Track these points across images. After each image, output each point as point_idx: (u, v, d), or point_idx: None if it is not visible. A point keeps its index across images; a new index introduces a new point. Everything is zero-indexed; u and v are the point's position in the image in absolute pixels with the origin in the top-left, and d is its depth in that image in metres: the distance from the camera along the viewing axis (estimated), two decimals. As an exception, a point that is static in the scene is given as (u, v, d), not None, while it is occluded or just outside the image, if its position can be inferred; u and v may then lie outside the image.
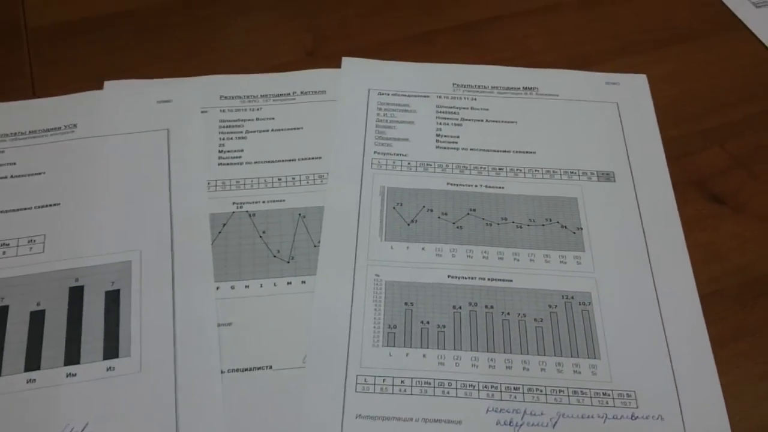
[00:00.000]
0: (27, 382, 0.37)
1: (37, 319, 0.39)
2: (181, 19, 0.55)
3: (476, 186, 0.44)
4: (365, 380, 0.37)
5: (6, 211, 0.43)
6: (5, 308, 0.39)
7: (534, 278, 0.40)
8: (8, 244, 0.41)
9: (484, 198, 0.44)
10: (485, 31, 0.54)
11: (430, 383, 0.37)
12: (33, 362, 0.37)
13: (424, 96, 0.49)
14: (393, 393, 0.36)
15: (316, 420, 0.35)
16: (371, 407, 0.36)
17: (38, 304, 0.39)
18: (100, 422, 0.35)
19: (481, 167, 0.45)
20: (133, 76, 0.50)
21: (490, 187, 0.44)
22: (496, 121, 0.48)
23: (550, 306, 0.39)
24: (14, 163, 0.45)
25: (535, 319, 0.39)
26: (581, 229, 0.42)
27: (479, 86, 0.50)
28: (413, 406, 0.36)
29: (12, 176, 0.44)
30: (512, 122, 0.48)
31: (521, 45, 0.53)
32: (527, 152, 0.46)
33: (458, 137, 0.47)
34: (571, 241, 0.42)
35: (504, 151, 0.46)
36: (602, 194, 0.44)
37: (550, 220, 0.43)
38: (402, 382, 0.37)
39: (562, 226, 0.43)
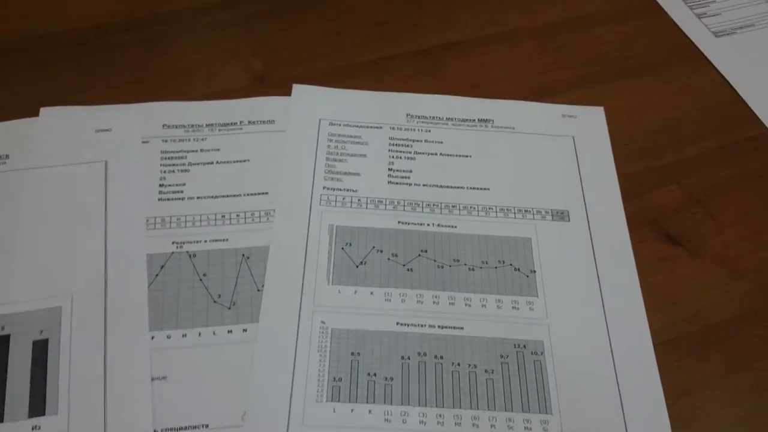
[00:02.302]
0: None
1: (-45, 373, 0.36)
2: (122, 41, 0.52)
3: (428, 225, 0.43)
4: (307, 440, 0.35)
5: (-74, 252, 0.40)
6: None
7: (486, 325, 0.39)
8: (-74, 289, 0.38)
9: (436, 238, 0.42)
10: (442, 59, 0.53)
11: (375, 441, 0.35)
12: (-52, 422, 0.35)
13: (377, 127, 0.48)
14: (336, 453, 0.35)
15: (254, 483, 0.34)
16: (313, 469, 0.34)
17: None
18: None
19: (433, 204, 0.44)
20: (70, 102, 0.47)
21: (442, 226, 0.43)
22: (450, 155, 0.47)
23: (501, 356, 0.38)
24: (-63, 199, 0.42)
25: (486, 371, 0.37)
26: (534, 271, 0.41)
27: (434, 117, 0.48)
28: (357, 466, 0.34)
29: (-66, 212, 0.41)
30: (466, 156, 0.47)
31: (478, 73, 0.52)
32: (481, 189, 0.45)
33: (411, 172, 0.45)
34: (524, 285, 0.41)
35: (457, 187, 0.45)
36: (556, 234, 0.43)
37: (503, 262, 0.41)
38: (347, 442, 0.35)
39: (515, 269, 0.41)
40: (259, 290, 0.40)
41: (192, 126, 0.47)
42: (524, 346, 0.38)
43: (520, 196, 0.44)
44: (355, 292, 0.40)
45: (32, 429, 0.35)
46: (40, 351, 0.37)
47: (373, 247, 0.42)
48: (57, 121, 0.46)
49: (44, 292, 0.39)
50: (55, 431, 0.35)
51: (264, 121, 0.47)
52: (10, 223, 0.41)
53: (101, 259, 0.40)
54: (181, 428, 0.35)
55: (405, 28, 0.55)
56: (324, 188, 0.44)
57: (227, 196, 0.44)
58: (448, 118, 0.48)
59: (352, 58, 0.53)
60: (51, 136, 0.45)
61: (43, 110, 0.47)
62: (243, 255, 0.41)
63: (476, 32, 0.55)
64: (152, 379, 0.36)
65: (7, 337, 0.37)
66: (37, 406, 0.35)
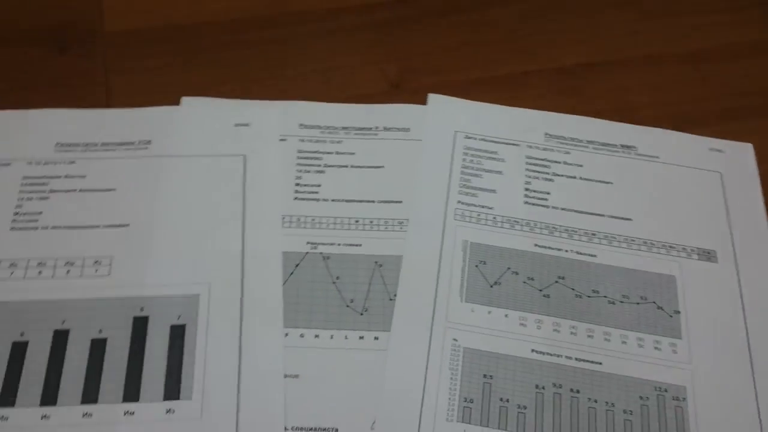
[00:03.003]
0: (83, 416, 0.35)
1: (98, 347, 0.37)
2: (259, 37, 0.52)
3: (566, 251, 0.41)
4: (437, 460, 0.34)
5: (74, 227, 0.41)
6: (66, 332, 0.37)
7: (625, 363, 0.37)
8: (73, 263, 0.40)
9: (574, 265, 0.41)
10: (582, 78, 0.51)
11: (506, 469, 0.34)
12: (91, 394, 0.36)
13: (514, 144, 0.46)
14: (466, 477, 0.34)
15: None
16: (442, 490, 0.33)
17: (100, 332, 0.37)
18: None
19: (572, 230, 0.42)
20: (207, 92, 0.48)
21: (581, 253, 0.41)
22: (590, 180, 0.45)
23: (641, 398, 0.36)
24: (84, 176, 0.43)
25: (624, 411, 0.36)
26: (678, 312, 0.39)
27: (573, 139, 0.47)
28: (486, 493, 0.33)
29: (81, 190, 0.43)
30: (608, 183, 0.45)
31: (620, 97, 0.50)
32: (623, 218, 0.43)
33: (549, 194, 0.44)
34: (666, 326, 0.39)
35: (597, 215, 0.43)
36: (702, 275, 0.41)
37: (645, 299, 0.40)
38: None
39: (658, 307, 0.39)
40: (391, 299, 0.39)
41: (328, 128, 0.47)
42: (665, 390, 0.36)
43: (663, 230, 0.43)
44: (489, 312, 0.39)
45: (166, 411, 0.35)
46: (178, 336, 0.37)
47: (508, 268, 0.41)
48: (198, 111, 0.47)
49: (183, 278, 0.39)
50: (189, 416, 0.35)
51: (399, 129, 0.47)
52: (150, 207, 0.42)
53: (239, 251, 0.40)
54: (311, 429, 0.35)
55: (544, 44, 0.53)
56: (459, 202, 0.43)
57: (361, 201, 0.44)
58: (588, 141, 0.47)
59: (488, 71, 0.52)
60: (192, 125, 0.46)
61: (184, 99, 0.48)
62: (376, 262, 0.41)
63: (618, 54, 0.53)
64: (285, 376, 0.36)
65: (146, 319, 0.38)
66: (173, 389, 0.36)
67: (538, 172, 0.45)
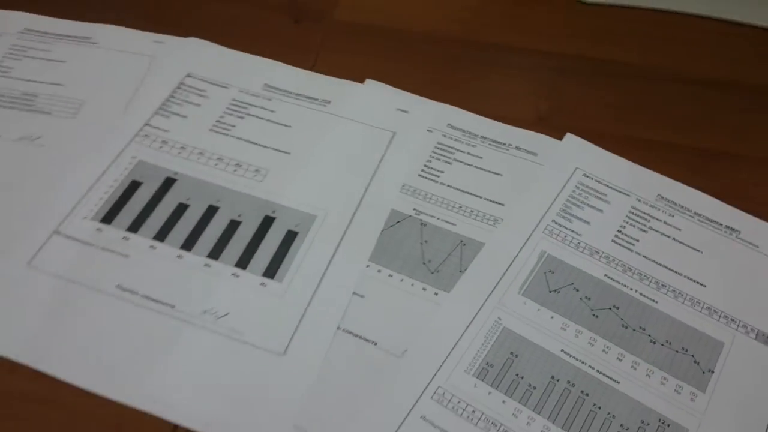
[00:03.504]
0: (204, 265, 0.46)
1: (233, 225, 0.48)
2: (449, 51, 0.62)
3: (631, 289, 0.45)
4: (443, 393, 0.40)
5: (254, 143, 0.53)
6: (216, 208, 0.49)
7: (641, 391, 0.40)
8: (241, 166, 0.51)
9: (632, 302, 0.45)
10: (713, 163, 0.54)
11: (496, 427, 0.39)
12: (216, 253, 0.46)
13: (625, 194, 0.51)
14: (460, 416, 0.39)
15: (388, 402, 0.40)
16: (435, 416, 0.39)
17: (239, 216, 0.48)
18: (237, 318, 0.43)
19: (644, 275, 0.46)
20: (388, 81, 0.58)
21: (644, 296, 0.45)
22: (683, 244, 0.48)
23: (642, 422, 0.39)
24: (274, 111, 0.56)
25: (621, 425, 0.39)
26: (712, 372, 0.41)
27: (683, 207, 0.50)
28: (472, 438, 0.39)
29: (268, 120, 0.55)
30: (698, 251, 0.48)
31: (742, 188, 0.53)
32: (698, 283, 0.46)
33: (637, 241, 0.48)
34: (695, 377, 0.41)
35: (676, 272, 0.46)
36: (751, 353, 0.42)
37: (686, 350, 0.42)
38: (473, 412, 0.40)
39: (694, 361, 0.42)
40: (460, 272, 0.46)
41: (469, 133, 0.55)
42: (668, 425, 0.39)
43: (731, 302, 0.45)
44: (538, 310, 0.44)
45: (260, 284, 0.45)
46: (290, 238, 0.47)
47: (572, 284, 0.45)
48: (373, 91, 0.58)
49: (309, 201, 0.49)
50: (274, 292, 0.45)
51: (528, 151, 0.54)
52: (311, 146, 0.53)
53: (359, 197, 0.50)
54: (356, 335, 0.43)
55: (689, 124, 0.57)
56: (552, 221, 0.49)
57: (471, 194, 0.51)
58: (696, 213, 0.50)
59: (630, 131, 0.57)
60: (364, 99, 0.57)
61: (368, 81, 0.59)
62: (461, 241, 0.48)
63: (761, 152, 0.55)
64: (353, 294, 0.45)
65: (273, 219, 0.48)
66: (271, 270, 0.46)
67: (637, 221, 0.49)
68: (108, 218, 0.48)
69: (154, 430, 0.39)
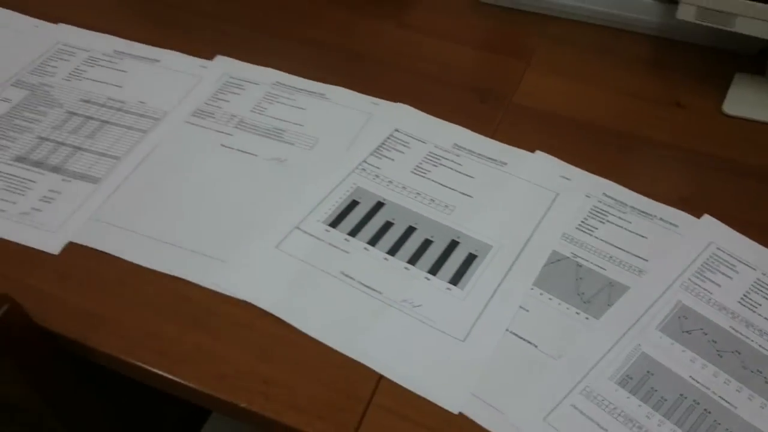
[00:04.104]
0: (404, 268, 0.59)
1: (426, 243, 0.61)
2: (608, 137, 0.75)
3: (752, 341, 0.54)
4: (590, 391, 0.51)
5: (444, 185, 0.67)
6: (414, 229, 0.63)
7: (754, 417, 0.49)
8: (434, 200, 0.65)
9: (752, 351, 0.53)
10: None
11: (632, 422, 0.49)
12: (412, 260, 0.60)
13: (752, 268, 0.60)
14: (603, 410, 0.49)
15: (545, 390, 0.50)
16: (583, 406, 0.50)
17: (431, 236, 0.62)
18: (428, 309, 0.56)
19: (764, 332, 0.55)
20: (554, 154, 0.71)
21: (762, 347, 0.54)
22: None
23: (756, 438, 0.48)
24: (461, 165, 0.70)
25: (737, 438, 0.48)
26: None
27: (803, 286, 0.59)
28: None
29: (456, 170, 0.69)
30: (815, 322, 0.56)
31: None
32: (813, 345, 0.54)
33: (760, 305, 0.57)
34: (806, 415, 0.49)
35: None
36: None
37: (799, 393, 0.51)
38: (614, 408, 0.50)
39: (805, 402, 0.50)
40: (608, 305, 0.57)
41: (621, 202, 0.67)
42: (779, 446, 0.47)
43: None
44: (672, 344, 0.54)
45: (446, 288, 0.58)
46: (470, 258, 0.60)
47: (701, 329, 0.55)
48: (542, 160, 0.71)
49: (488, 234, 0.62)
50: (456, 296, 0.57)
51: (671, 224, 0.64)
52: (490, 193, 0.66)
53: (527, 237, 0.62)
54: (521, 337, 0.54)
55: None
56: (689, 279, 0.59)
57: (620, 248, 0.62)
58: (815, 291, 0.58)
59: (760, 218, 0.66)
60: (535, 166, 0.70)
61: (538, 152, 0.72)
62: (609, 282, 0.59)
63: None
64: (520, 307, 0.56)
65: (457, 243, 0.62)
66: (456, 279, 0.58)
67: (760, 290, 0.58)
68: (334, 223, 0.63)
69: (365, 376, 0.52)
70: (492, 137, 0.74)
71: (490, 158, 0.70)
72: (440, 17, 0.93)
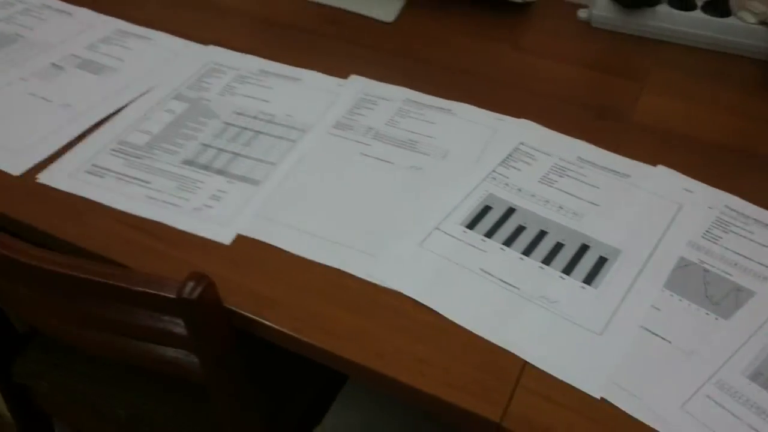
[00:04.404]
0: (539, 268, 0.64)
1: (558, 246, 0.66)
2: (727, 155, 0.78)
3: None
4: (723, 384, 0.54)
5: (571, 194, 0.72)
6: (545, 233, 0.67)
7: None
8: (562, 208, 0.70)
9: None
10: None
11: (766, 414, 0.52)
12: (547, 260, 0.64)
13: None
14: (737, 401, 0.53)
15: (681, 381, 0.54)
16: (717, 396, 0.53)
17: (563, 240, 0.67)
18: (565, 305, 0.60)
19: None
20: (675, 168, 0.75)
21: None
22: None
23: None
24: (586, 176, 0.74)
25: None
26: None
27: None
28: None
29: (581, 181, 0.74)
30: None
31: None
32: None
33: None
34: None
35: None
36: None
37: None
38: (747, 400, 0.53)
39: None
40: (736, 307, 0.60)
41: (743, 215, 0.70)
42: None
43: None
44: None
45: (581, 287, 0.62)
46: (602, 261, 0.64)
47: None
48: (665, 174, 0.75)
49: (617, 239, 0.67)
50: (587, 295, 0.61)
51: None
52: (616, 203, 0.71)
53: (655, 243, 0.66)
54: (654, 333, 0.58)
55: None
56: (815, 287, 0.62)
57: (744, 257, 0.65)
58: None
59: None
60: (658, 179, 0.74)
61: (659, 166, 0.76)
62: (737, 287, 0.62)
63: None
64: (652, 306, 0.60)
65: (588, 247, 0.66)
66: (589, 279, 0.63)
67: None
68: (471, 225, 0.68)
69: (511, 361, 0.57)
70: (613, 152, 0.78)
71: (613, 171, 0.75)
72: (553, 40, 0.98)
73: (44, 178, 0.72)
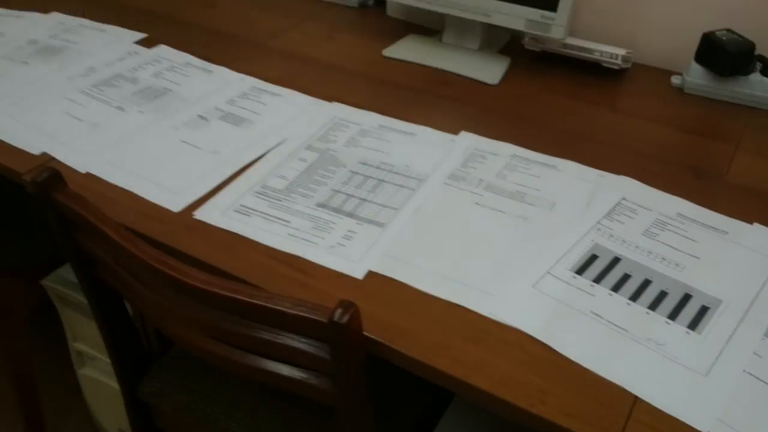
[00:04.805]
0: (645, 312, 0.70)
1: (663, 294, 0.72)
2: None
3: None
4: None
5: (672, 247, 0.78)
6: (649, 281, 0.73)
7: None
8: (665, 259, 0.76)
9: None
10: None
11: None
12: (652, 306, 0.70)
13: None
14: None
15: None
16: None
17: (666, 289, 0.72)
18: (672, 348, 0.66)
19: None
20: (773, 228, 0.80)
21: None
22: None
23: None
24: (686, 231, 0.80)
25: None
26: None
27: None
28: None
29: (681, 235, 0.79)
30: None
31: None
32: None
33: None
34: None
35: None
36: None
37: None
38: None
39: None
40: (838, 358, 0.64)
41: (841, 273, 0.74)
42: None
43: None
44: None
45: (685, 332, 0.67)
46: (704, 310, 0.70)
47: None
48: (763, 233, 0.79)
49: (717, 290, 0.72)
50: (696, 339, 0.67)
51: None
52: (717, 256, 0.76)
53: (754, 295, 0.71)
54: (757, 378, 0.63)
55: None
56: None
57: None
58: None
59: None
60: (756, 238, 0.79)
61: (755, 224, 0.81)
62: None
63: None
64: (753, 353, 0.65)
65: (690, 296, 0.71)
66: (693, 325, 0.68)
67: None
68: (579, 271, 0.75)
69: (623, 396, 0.62)
70: (711, 209, 0.83)
71: (712, 227, 0.80)
72: (648, 104, 1.05)
73: (199, 215, 0.83)
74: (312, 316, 0.64)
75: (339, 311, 0.63)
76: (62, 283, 1.17)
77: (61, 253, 0.84)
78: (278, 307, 0.66)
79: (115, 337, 0.97)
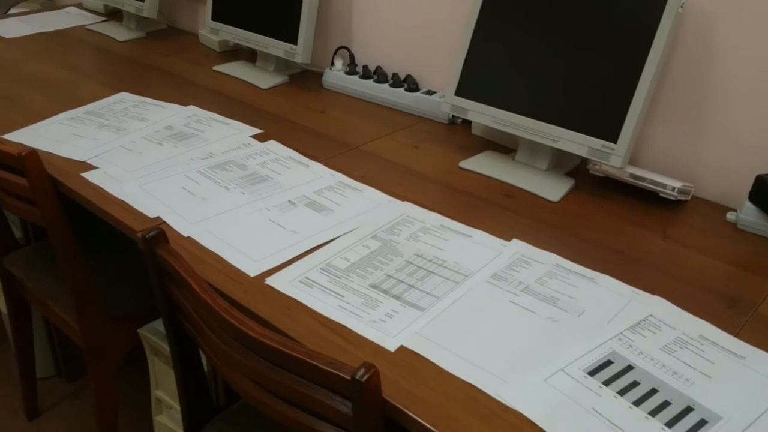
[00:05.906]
0: (644, 417, 0.75)
1: (665, 404, 0.77)
2: None
3: None
4: None
5: (687, 364, 0.83)
6: (656, 390, 0.78)
7: None
8: (677, 373, 0.81)
9: None
10: None
11: None
12: (653, 413, 0.75)
13: None
14: None
15: None
16: None
17: (670, 399, 0.77)
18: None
19: None
20: None
21: None
22: None
23: None
24: (704, 351, 0.85)
25: None
26: None
27: None
28: None
29: (698, 354, 0.84)
30: None
31: None
32: None
33: None
34: None
35: None
36: None
37: None
38: None
39: None
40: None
41: None
42: None
43: None
44: None
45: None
46: (702, 422, 0.74)
47: None
48: (781, 364, 0.83)
49: (724, 409, 0.76)
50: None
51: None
52: (728, 378, 0.80)
53: (755, 416, 0.74)
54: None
55: None
56: None
57: None
58: None
59: None
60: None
61: (777, 357, 0.84)
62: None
63: None
64: (742, 467, 0.68)
65: (692, 409, 0.76)
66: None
67: None
68: (592, 373, 0.81)
69: (604, 484, 0.68)
70: (735, 336, 0.88)
71: (730, 351, 0.85)
72: (699, 235, 1.11)
73: (270, 281, 0.97)
74: (338, 372, 0.75)
75: (361, 371, 0.74)
76: (155, 333, 1.34)
77: (156, 303, 1.00)
78: (313, 362, 0.77)
79: (188, 384, 1.11)
